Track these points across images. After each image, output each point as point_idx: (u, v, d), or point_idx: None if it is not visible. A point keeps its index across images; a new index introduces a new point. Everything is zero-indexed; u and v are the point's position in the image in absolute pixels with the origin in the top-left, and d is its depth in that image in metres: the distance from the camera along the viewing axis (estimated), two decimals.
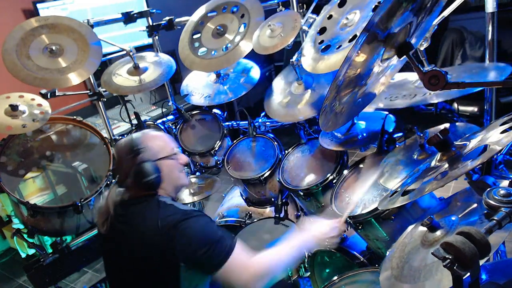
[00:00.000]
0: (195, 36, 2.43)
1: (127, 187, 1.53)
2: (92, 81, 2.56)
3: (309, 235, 1.57)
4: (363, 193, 1.67)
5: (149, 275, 1.42)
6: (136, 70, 2.40)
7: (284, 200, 2.24)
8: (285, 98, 2.15)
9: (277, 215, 2.20)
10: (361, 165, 1.92)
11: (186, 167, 2.41)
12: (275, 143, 2.32)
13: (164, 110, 3.13)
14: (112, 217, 1.50)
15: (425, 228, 1.09)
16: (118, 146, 1.56)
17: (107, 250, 1.60)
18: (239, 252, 1.37)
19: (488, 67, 1.54)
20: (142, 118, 2.60)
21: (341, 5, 1.75)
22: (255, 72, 2.46)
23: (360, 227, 1.65)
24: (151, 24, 2.84)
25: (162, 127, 2.60)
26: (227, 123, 2.67)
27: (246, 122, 2.45)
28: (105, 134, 2.54)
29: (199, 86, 2.60)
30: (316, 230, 1.59)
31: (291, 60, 2.05)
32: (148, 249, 1.40)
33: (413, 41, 1.12)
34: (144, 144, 1.51)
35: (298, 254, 1.51)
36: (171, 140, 1.63)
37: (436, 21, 1.46)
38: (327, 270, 2.09)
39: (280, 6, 2.45)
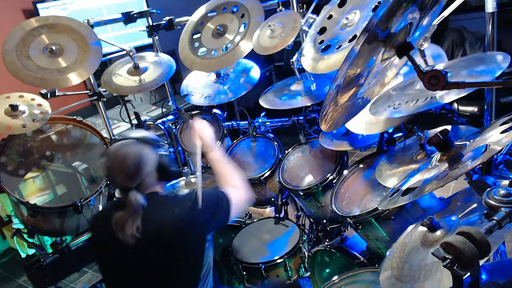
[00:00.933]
0: (195, 36, 2.43)
1: (145, 187, 1.49)
2: (92, 81, 2.56)
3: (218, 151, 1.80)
4: None
5: (178, 263, 1.50)
6: (136, 70, 2.40)
7: (284, 200, 2.25)
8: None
9: (277, 215, 2.20)
10: (361, 165, 1.92)
11: (186, 167, 2.41)
12: (275, 143, 2.32)
13: (164, 110, 3.12)
14: (141, 219, 1.44)
15: (425, 228, 1.09)
16: (133, 147, 1.49)
17: (118, 256, 1.52)
18: (229, 194, 1.59)
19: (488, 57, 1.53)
20: (142, 118, 2.60)
21: (341, 5, 1.75)
22: (255, 72, 2.46)
23: (360, 227, 1.66)
24: (151, 24, 2.83)
25: (162, 127, 2.60)
26: (227, 123, 2.67)
27: (246, 122, 2.45)
28: (105, 134, 2.54)
29: (199, 86, 2.60)
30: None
31: (291, 60, 2.05)
32: (177, 240, 1.48)
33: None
34: (157, 138, 1.62)
35: (221, 154, 1.80)
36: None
37: (436, 21, 1.46)
38: (327, 270, 2.09)
39: (280, 6, 2.45)
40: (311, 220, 2.23)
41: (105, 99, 2.62)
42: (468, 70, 1.42)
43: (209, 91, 2.53)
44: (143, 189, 1.50)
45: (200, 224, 1.50)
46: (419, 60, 1.27)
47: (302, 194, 1.99)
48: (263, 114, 2.54)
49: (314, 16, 2.04)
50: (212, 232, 1.60)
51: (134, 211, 1.43)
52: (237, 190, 1.65)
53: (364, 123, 1.71)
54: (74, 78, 2.15)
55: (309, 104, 2.06)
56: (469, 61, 1.53)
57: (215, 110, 2.65)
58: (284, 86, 2.25)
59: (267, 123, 2.61)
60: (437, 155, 1.18)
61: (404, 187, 1.20)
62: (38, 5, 3.65)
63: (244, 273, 2.00)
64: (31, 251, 3.39)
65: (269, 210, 2.49)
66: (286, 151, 2.27)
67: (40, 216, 2.11)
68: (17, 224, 2.65)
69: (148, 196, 1.49)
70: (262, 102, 2.19)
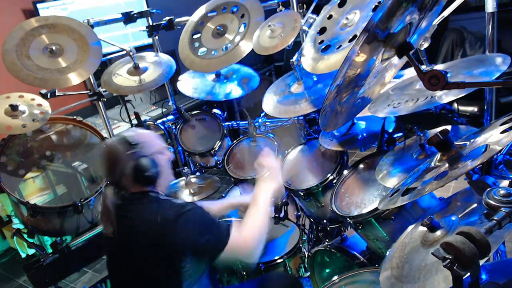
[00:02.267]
0: (195, 36, 2.44)
1: (123, 186, 1.53)
2: (92, 81, 2.56)
3: (270, 183, 1.66)
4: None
5: (152, 271, 1.43)
6: (136, 70, 2.40)
7: (284, 200, 2.24)
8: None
9: (277, 215, 2.20)
10: (361, 165, 1.92)
11: (186, 167, 2.41)
12: (275, 143, 2.32)
13: (164, 110, 3.13)
14: (114, 218, 1.50)
15: (425, 228, 1.09)
16: (111, 145, 1.55)
17: (110, 250, 1.61)
18: (234, 234, 1.45)
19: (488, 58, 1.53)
20: (142, 118, 2.60)
21: (341, 5, 1.75)
22: (254, 82, 2.47)
23: (360, 227, 1.65)
24: (151, 24, 2.84)
25: (162, 127, 2.60)
26: (227, 123, 2.67)
27: (246, 122, 2.45)
28: (105, 134, 2.54)
29: (197, 83, 2.60)
30: (264, 179, 1.67)
31: (291, 60, 2.05)
32: (150, 245, 1.42)
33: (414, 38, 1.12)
34: (138, 140, 1.53)
35: (270, 203, 1.63)
36: (158, 137, 1.67)
37: (436, 21, 1.46)
38: (327, 270, 2.09)
39: (280, 6, 2.45)
40: (311, 220, 2.22)
41: (105, 99, 2.62)
42: (467, 71, 1.43)
43: (207, 88, 2.53)
44: (123, 187, 1.52)
45: (177, 239, 1.39)
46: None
47: (302, 194, 1.99)
48: (263, 114, 2.54)
49: (314, 16, 2.04)
50: (196, 258, 1.45)
51: (105, 206, 1.51)
52: (246, 238, 1.48)
53: None
54: (74, 78, 2.15)
55: (314, 110, 2.04)
56: (469, 62, 1.53)
57: (215, 110, 2.66)
58: (284, 86, 2.25)
59: (267, 123, 2.61)
60: (437, 155, 1.18)
61: (404, 187, 1.20)
62: (38, 5, 3.65)
63: (244, 273, 2.00)
64: (31, 251, 3.39)
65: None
66: (286, 151, 2.27)
67: (40, 216, 2.11)
68: (17, 224, 2.65)
69: (134, 195, 1.51)
70: (265, 107, 2.20)
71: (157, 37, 2.88)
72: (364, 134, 1.93)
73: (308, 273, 2.05)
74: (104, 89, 2.52)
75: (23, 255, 3.48)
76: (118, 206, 1.51)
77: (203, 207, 1.50)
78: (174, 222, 1.39)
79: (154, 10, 2.84)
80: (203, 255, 1.47)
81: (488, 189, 0.85)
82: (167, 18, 2.75)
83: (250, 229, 1.51)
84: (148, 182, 1.52)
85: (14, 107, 2.06)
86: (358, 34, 1.49)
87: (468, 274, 0.73)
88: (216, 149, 2.49)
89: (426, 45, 1.52)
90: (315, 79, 2.12)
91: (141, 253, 1.44)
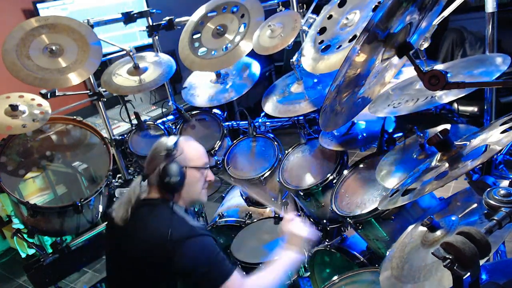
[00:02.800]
0: (195, 36, 2.43)
1: (149, 183, 1.56)
2: (92, 81, 2.56)
3: (293, 253, 1.58)
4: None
5: (146, 279, 1.43)
6: (136, 70, 2.40)
7: (284, 200, 2.24)
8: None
9: (277, 215, 2.20)
10: (361, 165, 1.92)
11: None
12: (275, 143, 2.32)
13: (164, 110, 3.13)
14: (133, 208, 1.51)
15: (425, 228, 1.09)
16: (158, 143, 1.60)
17: (113, 243, 1.60)
18: (236, 275, 1.41)
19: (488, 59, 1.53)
20: (142, 118, 2.60)
21: (341, 5, 1.75)
22: (256, 68, 2.46)
23: (360, 227, 1.65)
24: (151, 24, 2.83)
25: (162, 127, 2.60)
26: (227, 123, 2.67)
27: (246, 122, 2.45)
28: (105, 134, 2.54)
29: (200, 87, 2.59)
30: (296, 246, 1.60)
31: (291, 60, 2.05)
32: (150, 254, 1.41)
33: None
34: (180, 147, 1.56)
35: (286, 273, 1.56)
36: (206, 156, 1.67)
37: (436, 21, 1.46)
38: (327, 270, 2.09)
39: (280, 6, 2.45)
40: (311, 220, 2.22)
41: (105, 99, 2.62)
42: (467, 71, 1.42)
43: (210, 92, 2.53)
44: (150, 183, 1.55)
45: (176, 260, 1.37)
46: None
47: (302, 194, 1.99)
48: (263, 114, 2.54)
49: (314, 16, 2.04)
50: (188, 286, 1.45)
51: (129, 194, 1.52)
52: (250, 286, 1.44)
53: None
54: (74, 78, 2.15)
55: (313, 109, 2.04)
56: (469, 62, 1.53)
57: (215, 110, 2.65)
58: (284, 87, 2.25)
59: (267, 123, 2.61)
60: (437, 155, 1.18)
61: (404, 188, 1.20)
62: (38, 5, 3.65)
63: (244, 273, 2.00)
64: (31, 251, 3.39)
65: (269, 210, 2.49)
66: (286, 151, 2.27)
67: (40, 216, 2.11)
68: (17, 224, 2.64)
69: (152, 201, 1.53)
70: (266, 109, 2.19)
71: (157, 37, 2.88)
72: (364, 134, 1.93)
73: (308, 273, 2.05)
74: (104, 89, 2.52)
75: (23, 255, 3.49)
76: (137, 200, 1.52)
77: (214, 238, 1.47)
78: (179, 243, 1.38)
79: (154, 10, 2.84)
80: (196, 286, 1.43)
81: (488, 189, 0.85)
82: (167, 18, 2.75)
83: (254, 282, 1.47)
84: (168, 189, 1.51)
85: (14, 107, 2.06)
86: (358, 34, 1.49)
87: (468, 274, 0.73)
88: (216, 149, 2.49)
89: (426, 45, 1.51)
90: (315, 80, 2.13)
91: (139, 256, 1.44)
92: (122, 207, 1.52)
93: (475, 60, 1.57)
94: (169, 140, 1.58)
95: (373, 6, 1.58)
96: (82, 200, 2.12)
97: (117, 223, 1.51)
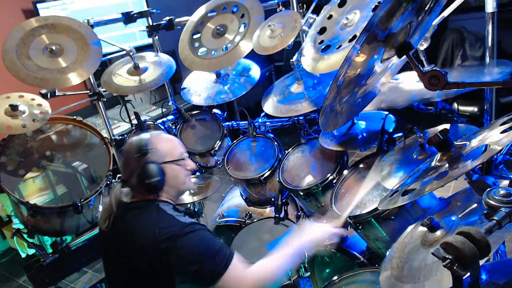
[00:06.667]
0: (195, 36, 2.43)
1: (130, 187, 1.53)
2: (92, 81, 2.56)
3: (306, 240, 1.57)
4: (362, 194, 1.67)
5: (141, 281, 1.42)
6: (136, 70, 2.40)
7: (284, 200, 2.24)
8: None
9: (277, 215, 2.20)
10: (361, 165, 1.92)
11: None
12: (275, 143, 2.32)
13: (164, 110, 3.13)
14: (114, 215, 1.50)
15: (425, 228, 1.09)
16: (128, 145, 1.56)
17: (105, 248, 1.61)
18: (236, 264, 1.39)
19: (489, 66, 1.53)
20: (142, 118, 2.60)
21: (341, 5, 1.74)
22: (255, 72, 2.46)
23: (360, 227, 1.65)
24: (151, 24, 2.83)
25: (162, 127, 2.60)
26: (227, 123, 2.67)
27: (246, 122, 2.45)
28: (105, 134, 2.54)
29: (199, 87, 2.60)
30: (314, 235, 1.59)
31: (291, 60, 2.05)
32: (141, 257, 1.40)
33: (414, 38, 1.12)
34: (152, 145, 1.51)
35: (295, 260, 1.53)
36: (181, 145, 1.63)
37: (436, 21, 1.46)
38: (327, 270, 2.09)
39: (280, 6, 2.45)
40: (311, 220, 2.22)
41: (105, 99, 2.62)
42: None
43: (209, 91, 2.53)
44: (131, 187, 1.52)
45: (169, 261, 1.34)
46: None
47: (302, 194, 1.99)
48: (263, 114, 2.54)
49: (314, 16, 2.04)
50: (186, 285, 1.41)
51: (109, 201, 1.51)
52: (248, 276, 1.41)
53: None
54: (74, 78, 2.15)
55: (313, 109, 2.04)
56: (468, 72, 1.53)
57: (215, 110, 2.65)
58: (284, 87, 2.25)
59: (267, 123, 2.61)
60: (437, 155, 1.18)
61: (404, 188, 1.20)
62: (38, 5, 3.65)
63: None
64: (31, 251, 3.40)
65: (269, 210, 2.48)
66: (286, 151, 2.27)
67: (40, 216, 2.11)
68: (17, 224, 2.64)
69: (135, 204, 1.50)
70: (266, 109, 2.19)
71: (157, 37, 2.88)
72: (364, 134, 1.93)
73: (308, 273, 2.04)
74: (104, 89, 2.52)
75: (23, 255, 3.49)
76: (120, 205, 1.51)
77: (207, 229, 1.44)
78: (170, 241, 1.34)
79: (154, 10, 2.84)
80: (195, 282, 1.40)
81: (488, 189, 0.85)
82: (167, 18, 2.75)
83: (258, 269, 1.43)
84: (151, 190, 1.49)
85: (14, 107, 2.06)
86: (358, 34, 1.49)
87: (468, 274, 0.73)
88: (216, 149, 2.49)
89: (426, 45, 1.52)
90: (315, 81, 2.13)
91: (131, 260, 1.44)
92: (103, 215, 1.53)
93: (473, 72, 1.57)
94: (140, 140, 1.53)
95: (373, 6, 1.58)
96: (82, 200, 2.12)
97: (104, 230, 1.52)
